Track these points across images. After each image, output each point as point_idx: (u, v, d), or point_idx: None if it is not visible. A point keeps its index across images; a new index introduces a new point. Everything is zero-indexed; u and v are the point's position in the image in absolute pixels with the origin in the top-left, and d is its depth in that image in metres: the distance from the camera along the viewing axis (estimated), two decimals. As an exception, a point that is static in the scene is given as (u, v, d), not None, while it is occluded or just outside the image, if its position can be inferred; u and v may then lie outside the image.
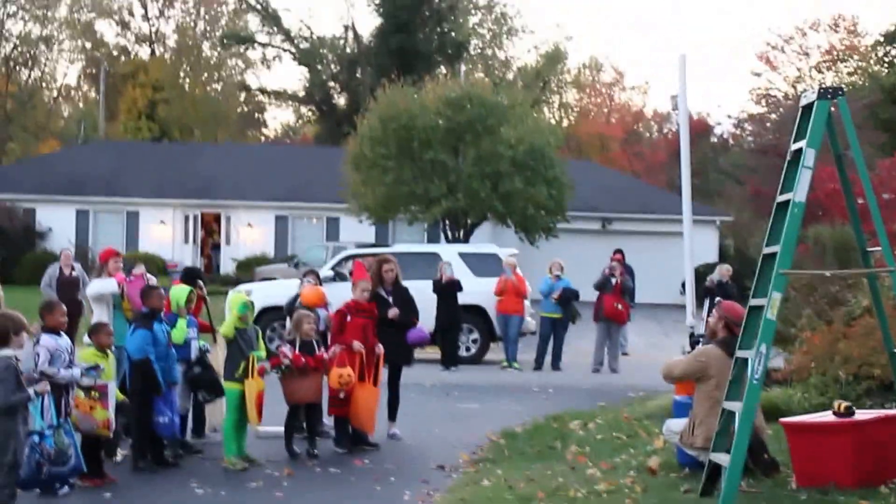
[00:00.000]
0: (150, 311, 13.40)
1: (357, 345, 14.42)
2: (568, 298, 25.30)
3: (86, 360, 12.04)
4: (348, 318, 14.66)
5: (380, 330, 14.90)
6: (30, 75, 78.47)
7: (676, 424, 12.26)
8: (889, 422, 11.33)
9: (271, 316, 24.31)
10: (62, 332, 11.82)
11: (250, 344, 13.59)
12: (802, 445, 11.19)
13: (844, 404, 11.27)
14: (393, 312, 15.20)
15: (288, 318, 15.51)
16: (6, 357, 10.36)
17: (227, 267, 49.89)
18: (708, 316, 23.39)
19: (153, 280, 15.74)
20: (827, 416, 11.43)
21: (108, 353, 12.55)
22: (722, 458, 10.61)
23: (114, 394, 12.39)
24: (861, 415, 11.40)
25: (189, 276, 15.60)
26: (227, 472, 13.14)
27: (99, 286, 15.39)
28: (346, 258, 27.53)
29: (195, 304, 14.56)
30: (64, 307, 12.25)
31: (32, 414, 10.97)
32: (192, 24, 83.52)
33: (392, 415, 15.55)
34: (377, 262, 15.68)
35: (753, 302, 10.76)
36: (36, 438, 10.99)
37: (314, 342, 14.34)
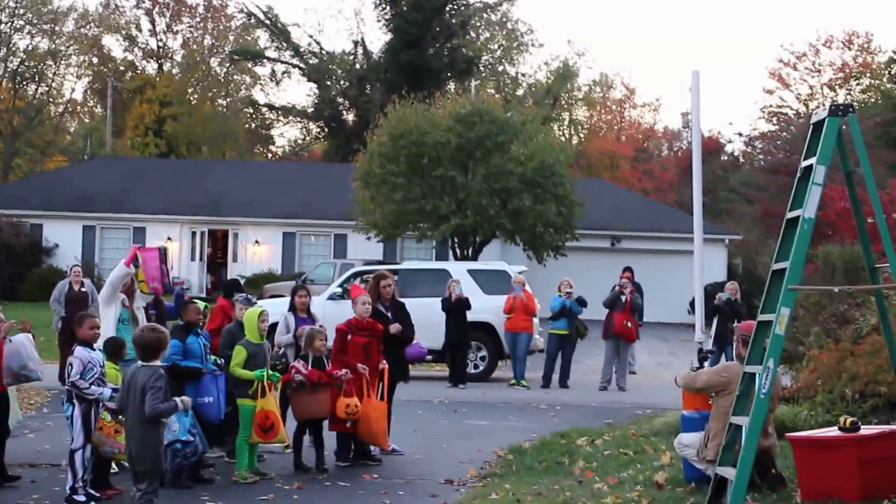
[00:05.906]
0: (185, 323, 13.79)
1: (361, 367, 14.41)
2: (571, 314, 25.20)
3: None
4: (349, 336, 14.66)
5: None
6: (37, 90, 78.49)
7: (687, 438, 12.34)
8: (894, 437, 11.36)
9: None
10: (94, 347, 11.96)
11: (264, 360, 13.64)
12: (808, 460, 11.23)
13: (850, 419, 11.31)
14: (395, 328, 15.26)
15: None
16: (156, 366, 10.39)
17: (233, 284, 49.55)
18: (716, 333, 23.65)
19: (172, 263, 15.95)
20: (832, 432, 11.48)
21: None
22: (728, 472, 10.67)
23: None
24: (866, 430, 11.45)
25: (230, 288, 16.17)
26: (237, 486, 13.19)
27: (113, 274, 14.97)
28: (355, 275, 27.39)
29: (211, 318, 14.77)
30: (96, 319, 12.39)
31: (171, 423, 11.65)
32: (200, 39, 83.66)
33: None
34: (375, 278, 15.76)
35: (762, 317, 10.82)
36: (179, 446, 12.11)
37: (324, 358, 14.38)
